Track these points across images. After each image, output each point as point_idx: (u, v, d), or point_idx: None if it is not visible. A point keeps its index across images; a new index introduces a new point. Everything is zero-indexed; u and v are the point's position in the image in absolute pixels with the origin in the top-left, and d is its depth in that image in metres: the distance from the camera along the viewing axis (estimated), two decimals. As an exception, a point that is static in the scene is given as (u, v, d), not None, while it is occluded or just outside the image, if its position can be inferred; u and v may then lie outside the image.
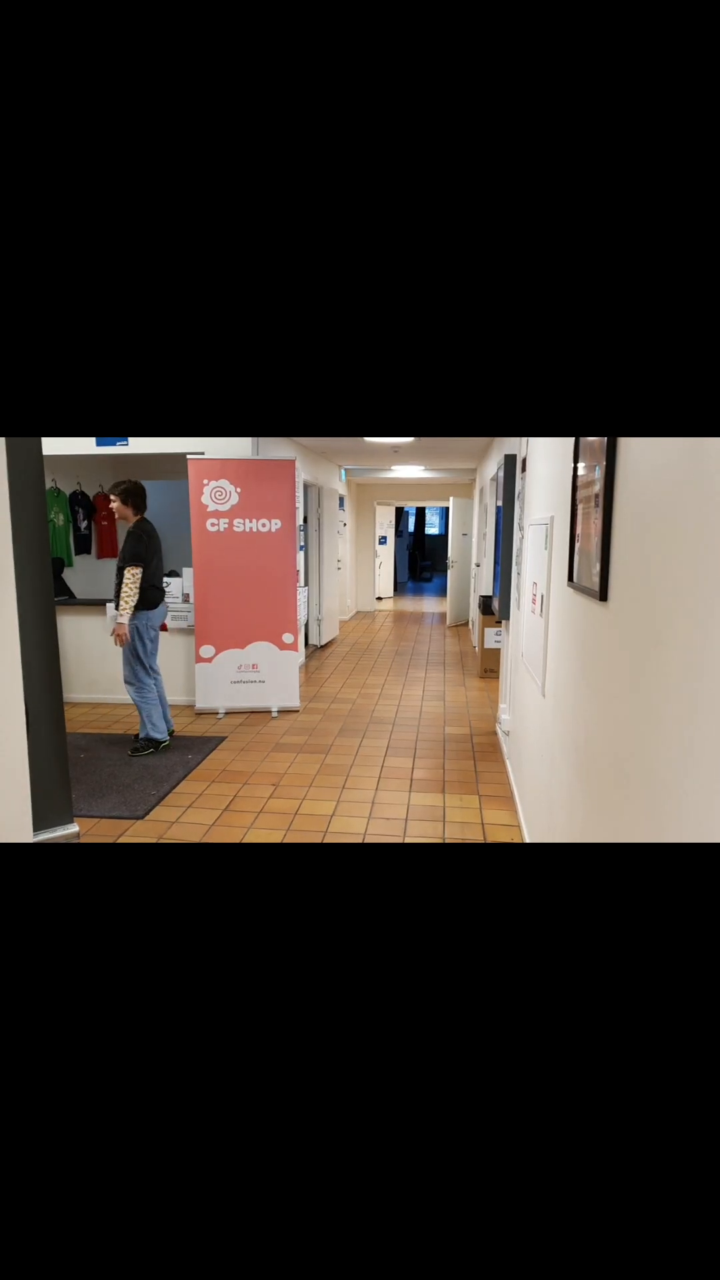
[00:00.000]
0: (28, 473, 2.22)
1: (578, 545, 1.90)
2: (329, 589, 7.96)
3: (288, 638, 5.02)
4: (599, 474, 1.59)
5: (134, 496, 4.00)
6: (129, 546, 3.93)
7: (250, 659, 4.99)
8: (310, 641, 7.59)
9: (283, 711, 5.09)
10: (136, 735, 4.35)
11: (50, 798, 2.42)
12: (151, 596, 4.03)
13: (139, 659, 4.07)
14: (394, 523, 13.67)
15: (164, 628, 4.33)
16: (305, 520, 6.79)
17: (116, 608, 3.96)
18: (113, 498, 4.03)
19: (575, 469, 1.96)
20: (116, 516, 4.06)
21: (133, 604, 3.92)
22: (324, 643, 7.90)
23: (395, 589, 14.03)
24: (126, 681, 4.12)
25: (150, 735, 4.16)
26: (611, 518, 1.49)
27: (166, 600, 4.26)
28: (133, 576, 3.90)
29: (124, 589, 3.90)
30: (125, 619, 3.93)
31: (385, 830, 3.14)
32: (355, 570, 11.22)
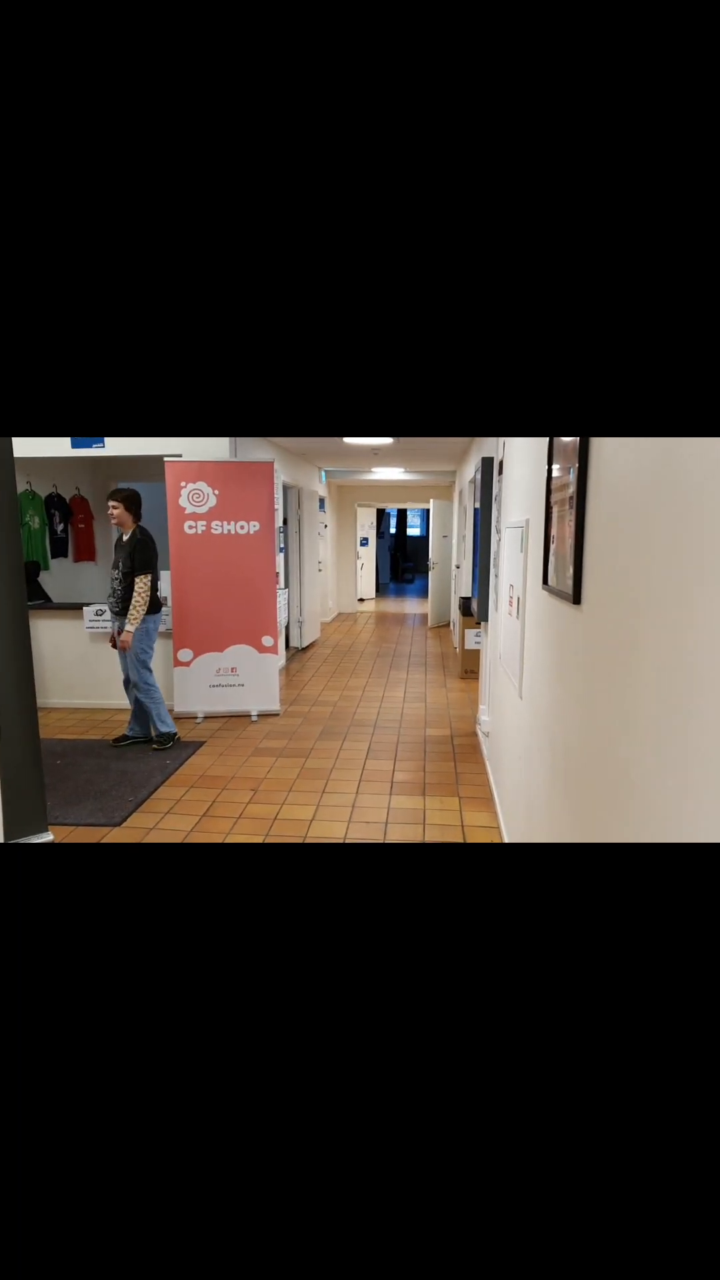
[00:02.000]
0: (-2, 475, 2.18)
1: (552, 548, 1.91)
2: (310, 591, 7.94)
3: (267, 640, 4.99)
4: (573, 476, 1.59)
5: (134, 503, 4.10)
6: (139, 555, 4.02)
7: (229, 662, 4.96)
8: (291, 644, 7.56)
9: (262, 715, 5.07)
10: (120, 737, 4.39)
11: (23, 805, 2.38)
12: (153, 601, 4.15)
13: (144, 662, 4.17)
14: (375, 524, 13.67)
15: None
16: (285, 522, 6.77)
17: (123, 615, 4.08)
18: (113, 504, 4.07)
19: (550, 471, 1.97)
20: (114, 522, 4.14)
21: (143, 612, 4.04)
22: (305, 645, 7.88)
23: (377, 590, 14.03)
24: (132, 684, 4.22)
25: (163, 731, 4.31)
26: (584, 520, 1.49)
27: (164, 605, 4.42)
28: (144, 585, 4.02)
29: (135, 598, 4.01)
30: (134, 627, 4.05)
31: (365, 834, 3.13)
32: (336, 572, 11.21)
